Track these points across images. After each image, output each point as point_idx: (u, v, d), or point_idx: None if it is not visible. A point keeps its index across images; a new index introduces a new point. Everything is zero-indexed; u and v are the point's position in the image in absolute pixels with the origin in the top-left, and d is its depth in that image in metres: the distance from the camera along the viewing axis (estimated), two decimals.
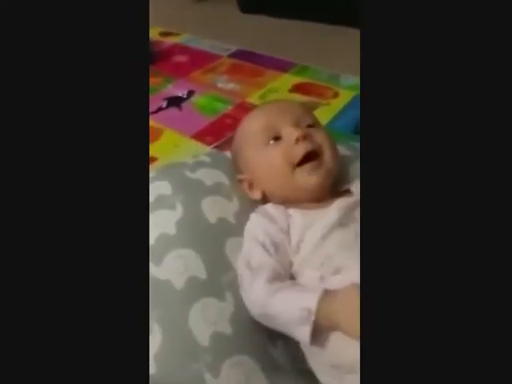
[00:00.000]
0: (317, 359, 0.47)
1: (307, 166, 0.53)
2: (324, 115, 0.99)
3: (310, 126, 0.57)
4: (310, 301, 0.42)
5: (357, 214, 0.51)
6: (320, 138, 0.55)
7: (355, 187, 0.57)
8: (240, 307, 0.49)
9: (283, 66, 1.22)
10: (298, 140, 0.53)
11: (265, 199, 0.58)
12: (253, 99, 1.07)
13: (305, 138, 0.53)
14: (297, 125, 0.55)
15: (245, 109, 1.03)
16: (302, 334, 0.43)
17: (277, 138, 0.55)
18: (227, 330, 0.47)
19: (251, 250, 0.50)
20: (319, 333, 0.43)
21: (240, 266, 0.50)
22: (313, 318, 0.42)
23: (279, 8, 1.53)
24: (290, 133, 0.54)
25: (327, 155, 0.54)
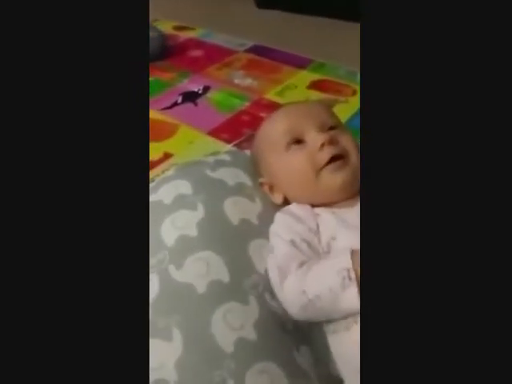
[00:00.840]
0: (344, 360, 0.45)
1: (331, 166, 0.51)
2: (342, 113, 0.97)
3: (332, 127, 0.55)
4: (344, 260, 0.42)
5: None
6: (344, 140, 0.53)
7: None
8: (264, 311, 0.47)
9: (300, 63, 1.20)
10: (323, 145, 0.51)
11: (286, 202, 0.56)
12: (270, 96, 1.05)
13: (330, 142, 0.52)
14: (321, 128, 0.53)
15: (262, 106, 1.01)
16: (350, 298, 0.41)
17: (299, 142, 0.53)
18: (251, 335, 0.45)
19: (279, 251, 0.48)
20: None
21: (270, 268, 0.49)
22: (353, 274, 0.40)
23: (295, 3, 1.51)
24: (314, 138, 0.52)
25: (352, 156, 0.53)
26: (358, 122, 0.95)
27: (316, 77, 1.13)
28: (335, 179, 0.51)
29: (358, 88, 1.06)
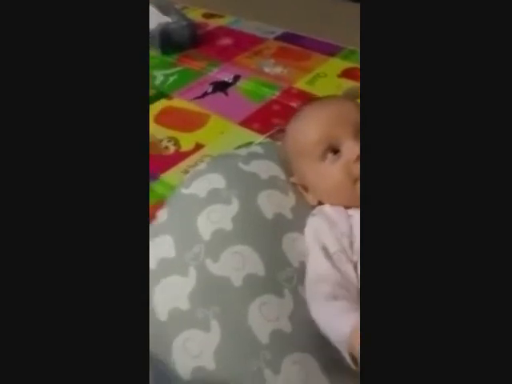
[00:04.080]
0: None
1: None
2: None
3: None
4: (345, 329, 0.40)
5: None
6: None
7: None
8: (298, 304, 0.48)
9: (330, 50, 1.17)
10: (359, 158, 0.50)
11: (321, 203, 0.56)
12: (300, 84, 1.04)
13: None
14: (356, 134, 0.52)
15: (292, 95, 1.00)
16: (348, 359, 0.40)
17: (335, 151, 0.52)
18: (287, 327, 0.47)
19: (313, 260, 0.49)
20: None
21: (306, 277, 0.50)
22: (347, 355, 0.40)
23: None
24: (350, 149, 0.51)
25: None
26: None
27: (347, 65, 1.10)
28: None
29: None
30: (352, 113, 0.54)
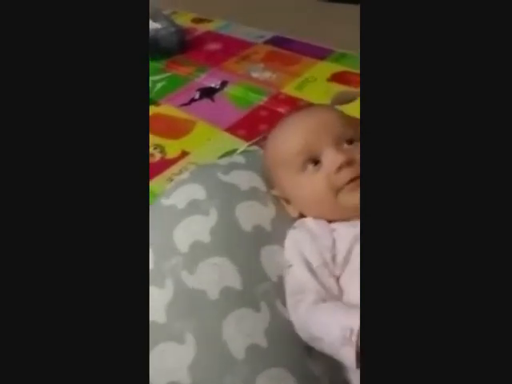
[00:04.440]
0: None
1: (349, 187, 0.50)
2: None
3: (350, 140, 0.52)
4: (353, 320, 0.40)
5: None
6: None
7: None
8: (275, 318, 0.48)
9: (319, 53, 1.17)
10: (340, 168, 0.50)
11: (302, 215, 0.55)
12: (288, 89, 1.04)
13: (348, 164, 0.50)
14: (337, 143, 0.51)
15: (280, 101, 1.00)
16: (347, 355, 0.40)
17: (316, 162, 0.52)
18: (263, 342, 0.46)
19: (296, 274, 0.49)
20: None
21: (287, 285, 0.49)
22: (355, 338, 0.39)
23: None
24: (331, 159, 0.50)
25: None
26: None
27: (337, 68, 1.10)
28: (354, 199, 0.49)
29: None
30: (334, 123, 0.53)
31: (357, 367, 0.40)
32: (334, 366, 0.47)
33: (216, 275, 0.49)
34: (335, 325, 0.41)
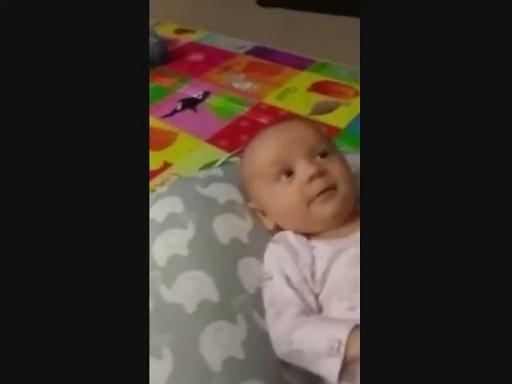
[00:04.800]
0: None
1: (320, 198, 0.51)
2: (344, 116, 0.96)
3: (323, 153, 0.53)
4: (341, 332, 0.40)
5: None
6: (335, 168, 0.52)
7: None
8: (252, 330, 0.48)
9: (301, 63, 1.18)
10: (312, 178, 0.51)
11: (278, 228, 0.56)
12: (269, 100, 1.05)
13: (319, 174, 0.51)
14: (310, 156, 0.52)
15: (261, 111, 1.01)
16: (330, 367, 0.40)
17: (289, 173, 0.53)
18: (240, 354, 0.46)
19: (275, 288, 0.49)
20: (348, 369, 0.40)
21: (265, 299, 0.50)
22: (343, 349, 0.40)
23: (298, 0, 1.48)
24: (303, 170, 0.51)
25: (341, 185, 0.52)
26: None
27: (317, 78, 1.11)
28: (325, 211, 0.51)
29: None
30: (308, 136, 0.54)
31: (339, 381, 0.40)
32: (311, 379, 0.47)
33: (193, 288, 0.49)
34: (322, 336, 0.42)
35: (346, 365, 0.40)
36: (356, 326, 0.40)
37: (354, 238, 0.50)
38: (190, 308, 0.48)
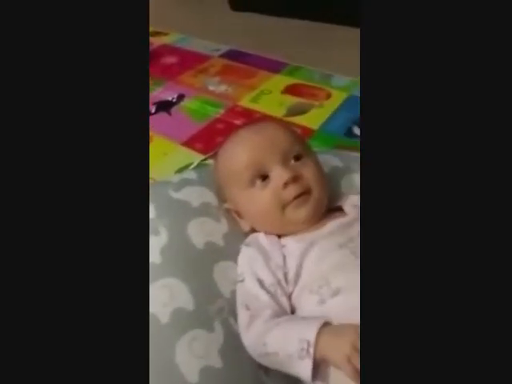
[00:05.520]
0: None
1: (295, 203, 0.51)
2: (317, 117, 0.97)
3: (298, 156, 0.53)
4: (310, 332, 0.40)
5: (352, 232, 0.50)
6: (309, 172, 0.52)
7: (347, 205, 0.55)
8: (229, 336, 0.47)
9: (275, 67, 1.18)
10: (287, 184, 0.50)
11: (254, 230, 0.55)
12: (244, 102, 1.04)
13: (294, 180, 0.51)
14: (284, 160, 0.52)
15: (236, 113, 1.00)
16: (303, 369, 0.40)
17: (264, 177, 0.52)
18: (217, 363, 0.45)
19: (248, 290, 0.48)
20: (321, 368, 0.41)
21: (238, 305, 0.48)
22: (312, 350, 0.39)
23: (271, 5, 1.49)
24: (278, 175, 0.51)
25: (315, 189, 0.52)
26: (332, 126, 0.94)
27: (291, 81, 1.11)
28: (299, 214, 0.51)
29: (332, 91, 1.05)
30: (281, 140, 0.54)
31: (312, 381, 0.40)
32: (289, 382, 0.46)
33: (167, 297, 0.48)
34: (293, 337, 0.41)
35: (317, 365, 0.40)
36: (325, 324, 0.41)
37: (325, 230, 0.51)
38: (164, 318, 0.47)
